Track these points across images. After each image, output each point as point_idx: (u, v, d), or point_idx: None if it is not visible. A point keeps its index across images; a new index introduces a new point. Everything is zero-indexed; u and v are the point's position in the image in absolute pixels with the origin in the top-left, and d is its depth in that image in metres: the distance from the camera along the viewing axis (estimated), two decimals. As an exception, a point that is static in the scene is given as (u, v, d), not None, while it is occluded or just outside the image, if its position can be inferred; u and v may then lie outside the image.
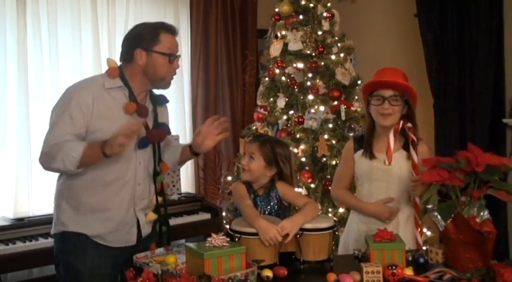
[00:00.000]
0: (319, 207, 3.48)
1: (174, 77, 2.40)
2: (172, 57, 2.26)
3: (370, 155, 2.44)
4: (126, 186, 2.27)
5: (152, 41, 2.25)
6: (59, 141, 2.13)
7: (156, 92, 2.44)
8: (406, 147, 2.42)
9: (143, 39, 2.26)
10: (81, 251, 2.24)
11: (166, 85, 2.34)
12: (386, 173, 2.42)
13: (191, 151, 2.41)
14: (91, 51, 4.03)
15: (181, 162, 2.54)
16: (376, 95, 2.40)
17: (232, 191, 2.39)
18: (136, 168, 2.29)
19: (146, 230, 2.38)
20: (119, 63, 2.34)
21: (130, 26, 4.10)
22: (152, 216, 2.36)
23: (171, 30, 2.31)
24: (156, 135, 2.32)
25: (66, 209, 2.26)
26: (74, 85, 2.32)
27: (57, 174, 2.35)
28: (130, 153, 2.26)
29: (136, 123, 2.13)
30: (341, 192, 2.61)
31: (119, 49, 4.03)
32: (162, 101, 2.44)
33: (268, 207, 2.32)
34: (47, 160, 2.16)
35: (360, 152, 2.49)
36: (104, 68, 3.97)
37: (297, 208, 2.34)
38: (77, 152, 2.08)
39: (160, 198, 2.40)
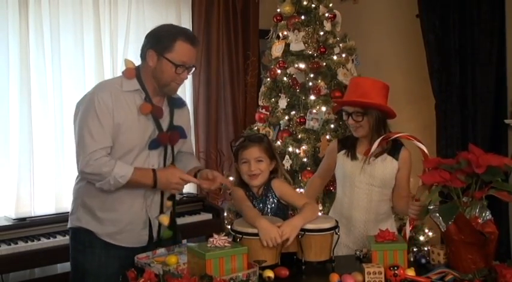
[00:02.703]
0: (320, 208, 3.50)
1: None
2: (180, 68, 2.23)
3: (352, 155, 2.52)
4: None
5: (166, 47, 2.23)
6: (99, 157, 2.16)
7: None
8: (391, 153, 2.48)
9: (159, 41, 2.25)
10: (89, 249, 2.29)
11: (170, 91, 2.33)
12: (370, 175, 2.48)
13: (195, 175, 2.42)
14: (93, 53, 4.03)
15: None
16: (344, 110, 2.52)
17: (232, 195, 2.39)
18: None
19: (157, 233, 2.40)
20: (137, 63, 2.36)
21: (132, 28, 4.21)
22: (166, 220, 2.37)
23: (190, 40, 2.26)
24: (167, 138, 2.32)
25: (81, 205, 2.32)
26: (93, 89, 2.33)
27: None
28: (144, 155, 2.28)
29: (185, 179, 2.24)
30: (313, 181, 2.79)
31: (120, 51, 4.14)
32: (179, 104, 2.44)
33: (266, 208, 2.31)
34: (94, 176, 2.20)
35: (343, 152, 2.56)
36: (106, 70, 4.07)
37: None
38: (124, 178, 2.17)
39: (170, 203, 2.41)
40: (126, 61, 2.36)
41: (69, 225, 2.39)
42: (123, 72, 2.32)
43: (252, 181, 2.31)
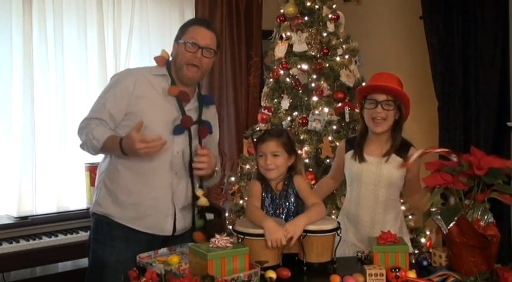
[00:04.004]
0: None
1: None
2: (189, 46, 2.32)
3: (360, 158, 2.49)
4: (162, 173, 2.34)
5: (182, 34, 2.39)
6: (91, 122, 2.32)
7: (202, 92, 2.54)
8: (398, 153, 2.46)
9: (177, 33, 2.43)
10: (110, 242, 2.33)
11: (184, 77, 2.37)
12: (376, 175, 2.47)
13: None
14: (96, 50, 4.02)
15: None
16: (370, 99, 2.44)
17: (248, 187, 2.41)
18: (174, 157, 2.36)
19: (182, 224, 2.42)
20: None
21: (135, 25, 4.22)
22: (205, 202, 2.41)
23: (201, 23, 2.42)
24: (190, 121, 2.37)
25: (103, 191, 2.38)
26: (126, 70, 2.61)
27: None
28: (169, 141, 2.32)
29: (159, 139, 2.20)
30: (323, 180, 2.85)
31: (124, 47, 4.15)
32: (207, 101, 2.53)
33: (287, 203, 2.31)
34: (80, 136, 2.36)
35: (350, 152, 2.54)
36: (109, 67, 4.08)
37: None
38: (99, 141, 2.26)
39: (201, 191, 2.43)
40: (163, 50, 2.47)
41: (90, 209, 2.47)
42: (155, 59, 2.44)
43: (267, 174, 2.31)
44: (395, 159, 2.45)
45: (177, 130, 2.34)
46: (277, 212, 2.30)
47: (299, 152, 3.77)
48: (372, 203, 2.48)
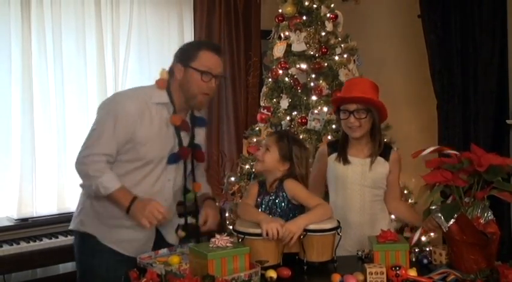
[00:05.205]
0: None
1: None
2: (206, 75, 2.24)
3: (345, 160, 2.50)
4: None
5: (191, 57, 2.27)
6: (98, 159, 2.17)
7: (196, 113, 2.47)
8: (381, 154, 2.50)
9: (184, 54, 2.30)
10: (98, 253, 2.28)
11: (198, 105, 2.32)
12: (362, 175, 2.48)
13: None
14: (95, 57, 4.02)
15: None
16: (343, 109, 2.47)
17: (247, 188, 2.47)
18: (165, 184, 2.31)
19: (170, 240, 2.42)
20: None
21: (134, 31, 4.22)
22: (182, 234, 2.40)
23: (213, 48, 2.32)
24: (187, 153, 2.33)
25: (88, 209, 2.31)
26: (121, 94, 2.42)
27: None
28: (161, 168, 2.28)
29: (163, 212, 2.15)
30: None
31: (122, 55, 4.16)
32: (201, 123, 2.46)
33: (275, 207, 2.29)
34: (81, 174, 2.24)
35: (333, 156, 2.55)
36: (108, 73, 4.08)
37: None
38: (107, 190, 2.15)
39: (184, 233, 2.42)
40: (162, 71, 2.36)
41: (71, 226, 2.38)
42: (156, 82, 2.33)
43: (254, 163, 2.40)
44: (378, 160, 2.49)
45: (172, 160, 2.29)
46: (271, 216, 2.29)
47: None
48: (359, 203, 2.49)
